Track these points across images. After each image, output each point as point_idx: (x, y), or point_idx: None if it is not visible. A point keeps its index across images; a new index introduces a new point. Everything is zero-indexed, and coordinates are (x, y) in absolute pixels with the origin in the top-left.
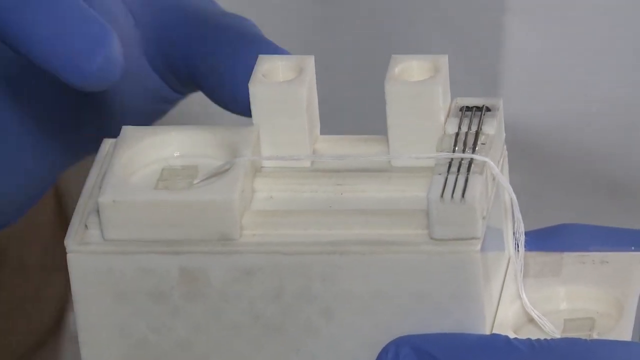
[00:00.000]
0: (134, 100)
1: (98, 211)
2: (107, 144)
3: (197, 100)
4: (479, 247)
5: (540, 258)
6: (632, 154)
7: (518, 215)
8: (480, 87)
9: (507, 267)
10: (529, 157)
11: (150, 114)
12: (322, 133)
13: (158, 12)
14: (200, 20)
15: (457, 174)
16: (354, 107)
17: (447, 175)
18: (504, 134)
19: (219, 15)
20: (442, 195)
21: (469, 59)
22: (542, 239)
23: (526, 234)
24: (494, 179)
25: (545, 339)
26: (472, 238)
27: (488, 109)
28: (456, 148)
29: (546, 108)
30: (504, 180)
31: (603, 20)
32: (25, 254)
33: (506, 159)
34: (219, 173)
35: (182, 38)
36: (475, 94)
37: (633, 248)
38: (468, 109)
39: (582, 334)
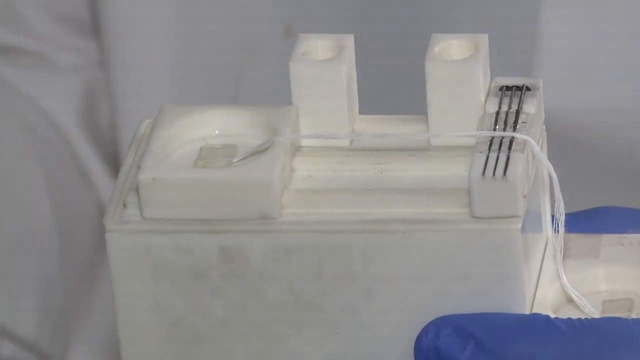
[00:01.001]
0: None
1: (137, 189)
2: (144, 124)
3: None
4: (520, 225)
5: (579, 240)
6: None
7: (559, 194)
8: (514, 75)
9: (545, 248)
10: (563, 149)
11: None
12: (361, 113)
13: None
14: None
15: (499, 152)
16: (393, 87)
17: (489, 153)
18: (544, 114)
19: None
20: (483, 173)
21: (503, 47)
22: (580, 221)
23: (565, 215)
24: (533, 158)
25: (586, 319)
26: (514, 216)
27: (528, 89)
28: (497, 127)
29: (581, 100)
30: (545, 158)
31: (638, 14)
32: None
33: (545, 139)
34: (258, 152)
35: None
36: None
37: None
38: (508, 88)
39: (621, 315)
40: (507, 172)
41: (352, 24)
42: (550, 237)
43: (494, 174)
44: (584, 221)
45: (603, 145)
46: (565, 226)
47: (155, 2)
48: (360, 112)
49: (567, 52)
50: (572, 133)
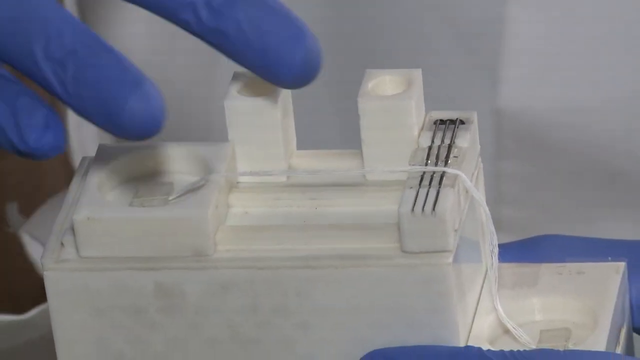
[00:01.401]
0: None
1: (73, 229)
2: (86, 160)
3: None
4: (450, 259)
5: (518, 269)
6: (633, 144)
7: (491, 228)
8: (481, 76)
9: (485, 278)
10: (530, 147)
11: None
12: (298, 147)
13: None
14: None
15: (429, 188)
16: (330, 120)
17: (419, 188)
18: (479, 147)
19: None
20: (413, 209)
21: (470, 48)
22: (520, 251)
23: (504, 245)
24: (467, 191)
25: (519, 350)
26: (444, 251)
27: (462, 122)
28: (429, 161)
29: (548, 98)
30: (477, 193)
31: (606, 10)
32: None
33: (481, 172)
34: (193, 189)
35: None
36: (476, 84)
37: (610, 258)
38: (442, 122)
39: (558, 345)
40: (437, 207)
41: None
42: (489, 267)
43: (423, 209)
44: (524, 250)
45: (569, 146)
46: (505, 256)
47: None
48: (299, 146)
49: (533, 52)
50: (538, 133)
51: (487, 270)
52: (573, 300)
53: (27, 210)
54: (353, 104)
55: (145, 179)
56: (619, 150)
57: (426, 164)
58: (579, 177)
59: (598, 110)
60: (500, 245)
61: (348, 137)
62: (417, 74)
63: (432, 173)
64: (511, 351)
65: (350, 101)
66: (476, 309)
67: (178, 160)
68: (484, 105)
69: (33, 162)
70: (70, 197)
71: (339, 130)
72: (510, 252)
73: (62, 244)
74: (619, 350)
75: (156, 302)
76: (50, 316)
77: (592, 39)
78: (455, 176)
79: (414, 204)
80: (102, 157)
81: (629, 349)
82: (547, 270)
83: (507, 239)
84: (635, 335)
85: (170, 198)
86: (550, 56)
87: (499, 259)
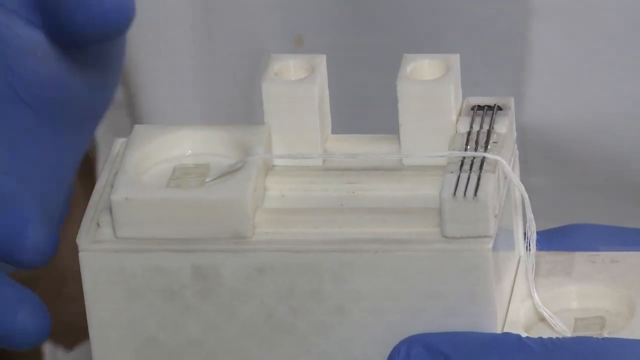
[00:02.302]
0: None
1: (110, 209)
2: (118, 143)
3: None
4: (490, 245)
5: (551, 257)
6: None
7: (530, 214)
8: (504, 89)
9: (518, 266)
10: (551, 159)
11: (47, 80)
12: (333, 132)
13: None
14: None
15: (470, 172)
16: (366, 106)
17: (460, 173)
18: (515, 133)
19: None
20: (454, 193)
21: (493, 61)
22: (552, 239)
23: (537, 233)
24: (505, 177)
25: (556, 338)
26: (485, 236)
27: (500, 108)
28: (468, 147)
29: (570, 110)
30: (516, 178)
31: (629, 25)
32: None
33: (517, 158)
34: (231, 171)
35: None
36: (500, 96)
37: None
38: (480, 107)
39: (593, 333)
40: (478, 192)
41: (328, 41)
42: (522, 255)
43: (465, 194)
44: (556, 239)
45: (595, 160)
46: (537, 245)
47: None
48: (334, 131)
49: (557, 67)
50: (563, 148)
51: (520, 258)
52: (608, 289)
53: None
54: (391, 89)
55: (181, 160)
56: None
57: (466, 149)
58: (604, 191)
59: (622, 124)
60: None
61: (385, 123)
62: (455, 59)
63: (472, 158)
64: (550, 338)
65: (388, 87)
66: (511, 295)
67: (214, 143)
68: None
69: None
70: (103, 179)
71: (375, 115)
72: (542, 240)
73: (98, 224)
74: None
75: (192, 285)
76: (84, 298)
77: (615, 54)
78: (496, 161)
79: (456, 189)
80: (138, 138)
81: None
82: (580, 259)
83: None
84: None
85: (208, 179)
86: (574, 71)
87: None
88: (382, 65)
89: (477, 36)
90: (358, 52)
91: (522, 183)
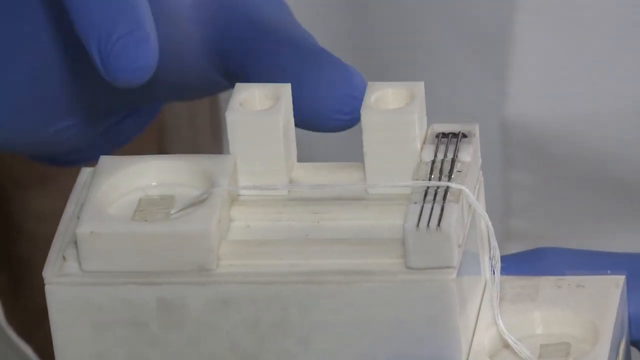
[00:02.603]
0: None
1: (76, 242)
2: (85, 173)
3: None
4: (454, 275)
5: (518, 282)
6: None
7: (494, 242)
8: (489, 87)
9: (484, 291)
10: (537, 156)
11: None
12: (299, 160)
13: (222, 10)
14: (265, 29)
15: (433, 203)
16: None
17: (423, 203)
18: (480, 160)
19: (285, 25)
20: (418, 225)
21: (478, 57)
22: (519, 263)
23: (503, 258)
24: (470, 206)
25: None
26: (448, 267)
27: (464, 135)
28: (432, 176)
29: (555, 107)
30: (480, 208)
31: (613, 20)
32: None
33: (482, 185)
34: (195, 203)
35: (242, 42)
36: (484, 95)
37: (609, 272)
38: (444, 135)
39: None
40: (442, 223)
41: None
42: (488, 280)
43: (428, 225)
44: (523, 263)
45: (578, 156)
46: (502, 270)
47: None
48: (300, 159)
49: (541, 63)
50: (546, 144)
51: (486, 284)
52: (573, 314)
53: None
54: None
55: (147, 191)
56: (629, 160)
57: (430, 179)
58: (587, 188)
59: (607, 120)
60: (501, 257)
61: (350, 150)
62: (420, 87)
63: (436, 188)
64: None
65: None
66: (476, 322)
67: (179, 173)
68: (491, 116)
69: None
70: (70, 210)
71: (341, 143)
72: (509, 264)
73: (64, 257)
74: None
75: (158, 316)
76: (51, 330)
77: (600, 50)
78: (459, 191)
79: (419, 220)
80: (104, 169)
81: None
82: (546, 284)
83: (516, 249)
84: (633, 349)
85: (173, 212)
86: (558, 67)
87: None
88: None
89: (462, 31)
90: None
91: (505, 179)
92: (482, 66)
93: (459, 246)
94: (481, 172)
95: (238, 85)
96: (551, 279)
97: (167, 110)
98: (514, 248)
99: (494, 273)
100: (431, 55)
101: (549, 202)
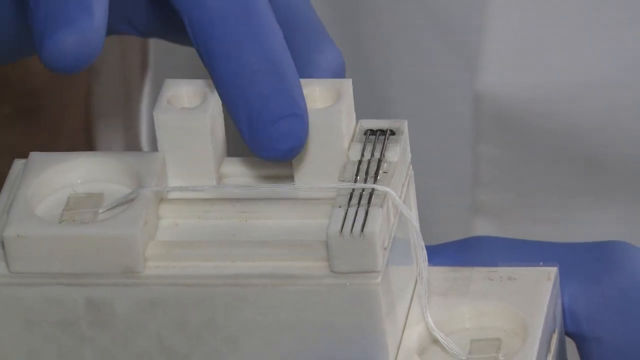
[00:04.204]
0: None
1: (3, 244)
2: (18, 164)
3: None
4: (379, 279)
5: (450, 274)
6: (611, 129)
7: (421, 243)
8: (460, 60)
9: (417, 280)
10: (507, 130)
11: None
12: (231, 153)
13: None
14: None
15: (358, 207)
16: None
17: (348, 208)
18: (410, 156)
19: None
20: (341, 230)
21: (449, 31)
22: (453, 253)
23: (438, 247)
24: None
25: None
26: (372, 271)
27: (392, 133)
28: (358, 177)
29: (527, 82)
30: (407, 210)
31: None
32: None
33: (412, 180)
34: (123, 203)
35: None
36: (455, 66)
37: (541, 263)
38: (372, 132)
39: (488, 356)
40: (365, 229)
41: None
42: (419, 273)
43: (351, 230)
44: (458, 252)
45: (548, 131)
46: (434, 260)
47: None
48: (233, 151)
49: (512, 36)
50: (517, 117)
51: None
52: (503, 308)
53: None
54: None
55: (75, 188)
56: (598, 136)
57: (355, 180)
58: (557, 163)
59: (577, 95)
60: (433, 247)
61: None
62: (347, 85)
63: (361, 190)
64: None
65: None
66: (407, 316)
67: (108, 171)
68: (462, 89)
69: None
70: (0, 206)
71: None
72: (444, 254)
73: None
74: (549, 357)
75: (87, 316)
76: None
77: (571, 24)
78: (385, 193)
79: (343, 225)
80: (34, 166)
81: (561, 354)
82: (478, 275)
83: (484, 222)
84: (568, 339)
85: (101, 211)
86: (529, 41)
87: (432, 262)
88: None
89: (433, 5)
90: None
91: (475, 152)
92: (453, 39)
93: (385, 249)
94: (411, 167)
95: (167, 81)
96: (483, 270)
97: None
98: (483, 221)
99: (422, 273)
100: (401, 31)
101: (518, 176)
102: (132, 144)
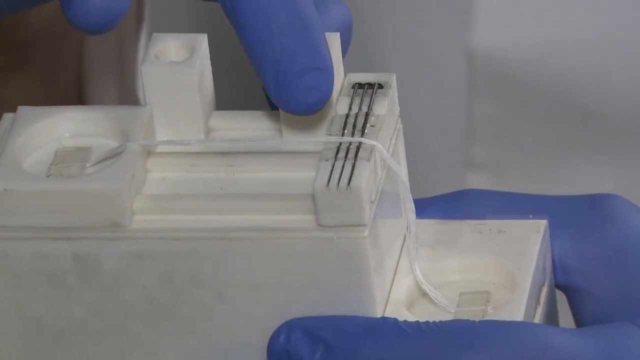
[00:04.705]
0: None
1: None
2: (7, 118)
3: None
4: (366, 233)
5: (439, 227)
6: (604, 85)
7: (409, 196)
8: (453, 16)
9: (406, 233)
10: (500, 86)
11: None
12: (220, 107)
13: None
14: None
15: (345, 160)
16: (252, 81)
17: (335, 161)
18: (398, 109)
19: None
20: (328, 183)
21: None
22: (443, 206)
23: (427, 200)
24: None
25: (434, 322)
26: (360, 225)
27: (380, 86)
28: (345, 131)
29: (519, 37)
30: (394, 163)
31: None
32: None
33: (401, 134)
34: (111, 157)
35: None
36: (449, 22)
37: (531, 216)
38: (360, 86)
39: (477, 309)
40: (352, 182)
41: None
42: (408, 225)
43: (338, 184)
44: (446, 205)
45: (542, 86)
46: (425, 212)
47: None
48: (222, 103)
49: None
50: (510, 73)
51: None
52: (493, 261)
53: None
54: None
55: (63, 142)
56: (592, 90)
57: (343, 134)
58: (550, 118)
59: (570, 49)
60: (423, 200)
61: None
62: (335, 38)
63: (348, 144)
64: (426, 322)
65: None
66: (396, 268)
67: (96, 124)
68: (456, 45)
69: None
70: None
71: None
72: (433, 207)
73: None
74: (539, 309)
75: (74, 270)
76: None
77: None
78: (372, 147)
79: (329, 179)
80: (22, 119)
81: (551, 306)
82: (467, 228)
83: (478, 178)
84: (558, 291)
85: (88, 165)
86: None
87: (421, 215)
88: None
89: None
90: None
91: (470, 109)
92: None
93: (372, 202)
94: (400, 120)
95: (154, 35)
96: (472, 223)
97: None
98: (476, 177)
99: (409, 227)
100: None
101: (511, 132)
102: (126, 97)
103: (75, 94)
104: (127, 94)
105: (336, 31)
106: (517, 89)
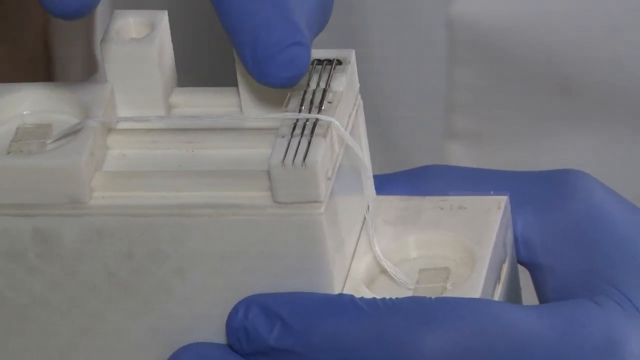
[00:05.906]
0: None
1: None
2: None
3: None
4: (322, 209)
5: (400, 203)
6: (586, 54)
7: (369, 173)
8: None
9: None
10: (482, 55)
11: None
12: (181, 83)
13: None
14: None
15: (301, 137)
16: (212, 57)
17: (291, 138)
18: (358, 85)
19: None
20: (283, 160)
21: None
22: (404, 182)
23: (388, 176)
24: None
25: (390, 299)
26: (315, 201)
27: (339, 62)
28: (302, 107)
29: (501, 6)
30: (351, 139)
31: None
32: None
33: (361, 110)
34: (70, 134)
35: None
36: None
37: (492, 192)
38: (319, 62)
39: (436, 285)
40: (307, 159)
41: None
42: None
43: (293, 160)
44: (408, 181)
45: (523, 55)
46: (388, 188)
47: None
48: (185, 80)
49: None
50: (492, 42)
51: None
52: (452, 238)
53: None
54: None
55: (25, 119)
56: (572, 60)
57: (300, 110)
58: (532, 88)
59: (552, 19)
60: (384, 176)
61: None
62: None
63: (305, 120)
64: (383, 299)
65: None
66: (356, 246)
67: (57, 101)
68: (437, 14)
69: None
70: None
71: (222, 66)
72: (395, 183)
73: None
74: (499, 286)
75: (34, 247)
76: None
77: None
78: (329, 123)
79: (285, 155)
80: None
81: (512, 283)
82: (429, 205)
83: (458, 148)
84: (521, 268)
85: (48, 142)
86: None
87: (383, 191)
88: None
89: None
90: None
91: (451, 78)
92: None
93: (328, 179)
94: (360, 97)
95: (115, 12)
96: (434, 199)
97: None
98: (455, 146)
99: (368, 205)
100: None
101: (492, 102)
102: (93, 58)
103: (42, 52)
104: (94, 52)
105: (314, 6)
106: (498, 59)
